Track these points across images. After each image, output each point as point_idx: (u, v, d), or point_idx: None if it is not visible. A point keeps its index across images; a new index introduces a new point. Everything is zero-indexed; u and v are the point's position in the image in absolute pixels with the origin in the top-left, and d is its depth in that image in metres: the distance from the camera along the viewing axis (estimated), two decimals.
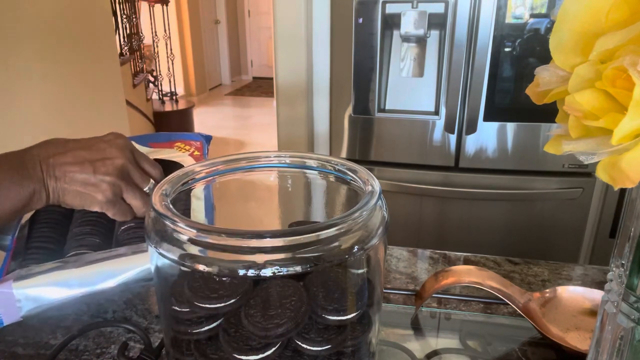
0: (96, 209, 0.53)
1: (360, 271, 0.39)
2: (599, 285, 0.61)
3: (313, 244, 0.32)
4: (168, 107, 4.45)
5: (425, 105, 1.44)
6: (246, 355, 0.35)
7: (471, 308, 0.57)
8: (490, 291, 0.51)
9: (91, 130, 0.58)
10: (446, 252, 0.70)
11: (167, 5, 4.64)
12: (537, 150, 1.40)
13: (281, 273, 0.31)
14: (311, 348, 0.36)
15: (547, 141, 0.29)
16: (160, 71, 4.68)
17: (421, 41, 1.40)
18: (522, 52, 1.33)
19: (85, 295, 0.48)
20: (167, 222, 0.33)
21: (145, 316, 0.56)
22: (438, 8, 1.32)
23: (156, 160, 0.62)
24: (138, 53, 3.86)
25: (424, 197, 1.50)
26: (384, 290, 0.60)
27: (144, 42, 4.07)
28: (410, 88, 1.45)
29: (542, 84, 0.29)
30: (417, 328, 0.55)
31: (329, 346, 0.36)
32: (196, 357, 0.37)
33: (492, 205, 1.47)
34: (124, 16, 3.59)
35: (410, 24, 1.34)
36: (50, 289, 0.47)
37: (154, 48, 4.67)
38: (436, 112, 1.43)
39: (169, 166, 0.63)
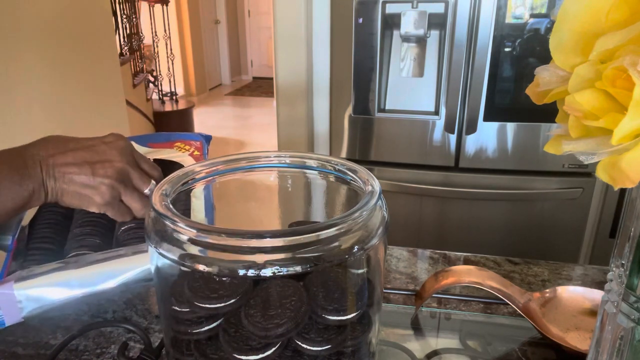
0: (94, 210, 0.53)
1: (360, 271, 0.39)
2: (599, 285, 0.61)
3: (313, 244, 0.32)
4: (168, 107, 4.45)
5: (425, 105, 1.44)
6: (246, 355, 0.35)
7: (471, 308, 0.57)
8: (490, 291, 0.51)
9: (91, 130, 0.58)
10: (446, 252, 0.70)
11: (167, 5, 4.64)
12: (537, 150, 1.40)
13: (281, 273, 0.31)
14: (311, 348, 0.36)
15: (547, 141, 0.29)
16: (160, 71, 4.68)
17: (421, 41, 1.40)
18: (522, 52, 1.33)
19: (85, 296, 0.48)
20: (167, 222, 0.33)
21: (145, 316, 0.56)
22: (438, 8, 1.32)
23: (156, 160, 0.62)
24: (138, 53, 3.86)
25: (424, 197, 1.50)
26: (384, 290, 0.60)
27: (144, 42, 4.07)
28: (410, 88, 1.45)
29: (542, 84, 0.29)
30: (417, 328, 0.55)
31: (329, 346, 0.36)
32: (196, 357, 0.37)
33: (492, 205, 1.47)
34: (124, 16, 3.59)
35: (410, 24, 1.34)
36: (51, 289, 0.47)
37: (154, 48, 4.67)
38: (436, 112, 1.43)
39: (168, 166, 0.63)
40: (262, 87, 7.04)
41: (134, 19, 3.83)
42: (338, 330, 0.37)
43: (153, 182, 0.56)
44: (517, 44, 1.33)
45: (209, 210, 0.49)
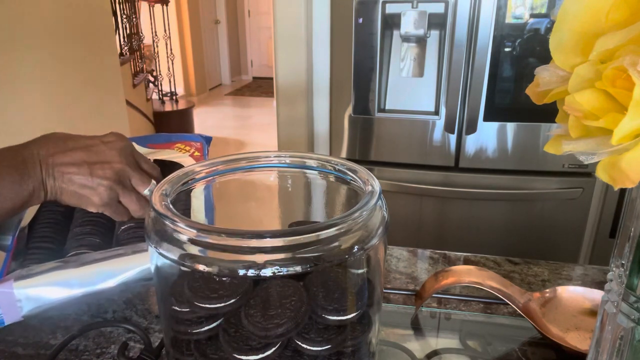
0: (92, 209, 0.53)
1: (360, 271, 0.39)
2: (599, 285, 0.61)
3: (313, 244, 0.32)
4: (168, 107, 4.45)
5: (425, 105, 1.44)
6: (246, 355, 0.35)
7: (471, 308, 0.57)
8: (490, 291, 0.51)
9: (91, 130, 0.58)
10: (446, 252, 0.70)
11: (167, 5, 4.64)
12: (537, 150, 1.40)
13: (281, 273, 0.31)
14: (311, 348, 0.36)
15: (547, 141, 0.29)
16: (160, 71, 4.68)
17: (421, 41, 1.40)
18: (522, 52, 1.33)
19: (85, 295, 0.48)
20: (167, 222, 0.33)
21: (145, 316, 0.56)
22: (438, 8, 1.32)
23: (156, 161, 0.62)
24: (138, 53, 3.86)
25: (424, 197, 1.50)
26: (384, 290, 0.60)
27: (144, 42, 4.07)
28: (410, 88, 1.45)
29: (542, 84, 0.29)
30: (417, 328, 0.55)
31: (329, 346, 0.36)
32: (196, 357, 0.37)
33: (492, 205, 1.47)
34: (124, 16, 3.59)
35: (410, 24, 1.34)
36: (51, 288, 0.47)
37: (154, 48, 4.67)
38: (436, 112, 1.43)
39: (169, 167, 0.63)
40: (262, 87, 7.04)
41: (134, 19, 3.83)
42: (338, 330, 0.37)
43: (153, 182, 0.56)
44: (517, 44, 1.33)
45: (209, 210, 0.49)
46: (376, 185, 0.37)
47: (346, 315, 0.37)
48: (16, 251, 0.57)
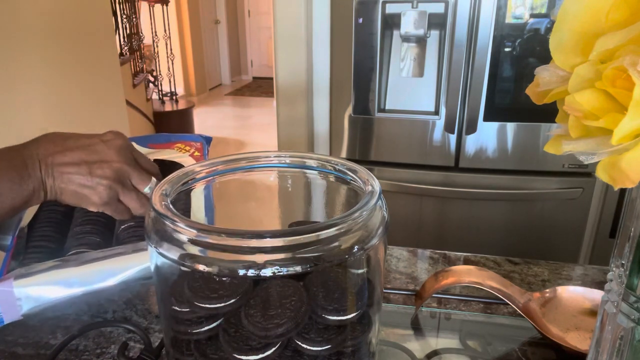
0: (92, 209, 0.53)
1: (360, 271, 0.39)
2: (599, 285, 0.61)
3: (313, 244, 0.32)
4: (168, 107, 4.45)
5: (425, 105, 1.44)
6: (246, 355, 0.35)
7: (471, 308, 0.57)
8: (490, 291, 0.51)
9: (91, 130, 0.58)
10: (446, 252, 0.70)
11: (167, 5, 4.64)
12: (537, 150, 1.40)
13: (281, 273, 0.31)
14: (311, 348, 0.36)
15: (547, 141, 0.29)
16: (160, 71, 4.68)
17: (421, 41, 1.40)
18: (522, 52, 1.33)
19: (85, 294, 0.48)
20: (167, 222, 0.33)
21: (145, 316, 0.56)
22: (438, 8, 1.32)
23: (156, 160, 0.62)
24: (138, 53, 3.86)
25: (424, 197, 1.50)
26: (384, 290, 0.60)
27: (144, 42, 4.07)
28: (410, 88, 1.45)
29: (542, 84, 0.29)
30: (417, 328, 0.55)
31: (329, 346, 0.36)
32: (196, 357, 0.37)
33: (492, 205, 1.47)
34: (124, 16, 3.59)
35: (410, 24, 1.34)
36: (51, 287, 0.47)
37: (154, 48, 4.67)
38: (436, 112, 1.43)
39: (169, 167, 0.63)
40: (262, 87, 7.04)
41: (134, 19, 3.83)
42: (338, 330, 0.37)
43: (153, 180, 0.56)
44: (517, 44, 1.33)
45: (209, 210, 0.49)
46: (376, 185, 0.37)
47: (346, 315, 0.37)
48: (16, 250, 0.57)
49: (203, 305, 0.35)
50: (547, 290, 0.54)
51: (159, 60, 4.66)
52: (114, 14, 3.25)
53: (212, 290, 0.36)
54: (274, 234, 0.32)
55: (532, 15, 1.31)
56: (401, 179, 1.49)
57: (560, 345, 0.47)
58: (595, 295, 0.53)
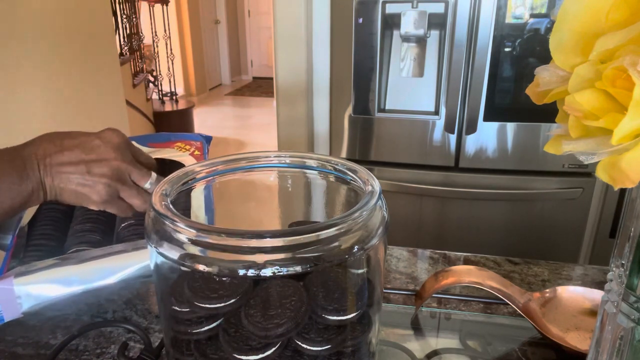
0: (94, 207, 0.53)
1: (360, 271, 0.39)
2: (599, 285, 0.61)
3: (313, 244, 0.32)
4: (168, 107, 4.45)
5: (425, 105, 1.44)
6: (246, 355, 0.35)
7: (471, 308, 0.57)
8: (490, 291, 0.51)
9: (91, 130, 0.58)
10: (446, 252, 0.70)
11: (167, 5, 4.64)
12: (537, 150, 1.40)
13: (281, 273, 0.31)
14: (311, 348, 0.36)
15: (547, 141, 0.29)
16: (160, 71, 4.68)
17: (421, 41, 1.40)
18: (522, 52, 1.33)
19: (85, 292, 0.48)
20: (167, 222, 0.33)
21: (145, 316, 0.56)
22: (438, 8, 1.32)
23: (157, 159, 0.62)
24: (138, 53, 3.86)
25: (424, 197, 1.50)
26: (384, 290, 0.60)
27: (144, 42, 4.07)
28: (410, 88, 1.45)
29: (542, 84, 0.29)
30: (417, 328, 0.55)
31: (329, 346, 0.36)
32: (196, 357, 0.37)
33: (492, 205, 1.47)
34: (124, 16, 3.59)
35: (410, 24, 1.34)
36: (51, 285, 0.47)
37: (154, 48, 4.67)
38: (436, 112, 1.43)
39: (169, 166, 0.63)
40: (262, 87, 7.04)
41: (134, 19, 3.83)
42: (338, 330, 0.37)
43: (153, 175, 0.56)
44: (517, 44, 1.33)
45: (209, 210, 0.49)
46: (376, 185, 0.37)
47: (346, 315, 0.37)
48: (16, 249, 0.57)
49: (203, 305, 0.35)
50: (547, 290, 0.54)
51: (159, 60, 4.66)
52: (114, 14, 3.25)
53: (212, 290, 0.36)
54: (274, 234, 0.32)
55: (532, 15, 1.31)
56: (401, 179, 1.49)
57: (560, 345, 0.47)
58: (595, 295, 0.53)
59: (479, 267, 0.54)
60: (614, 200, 1.47)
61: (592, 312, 0.52)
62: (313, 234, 0.32)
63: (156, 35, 4.57)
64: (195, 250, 0.32)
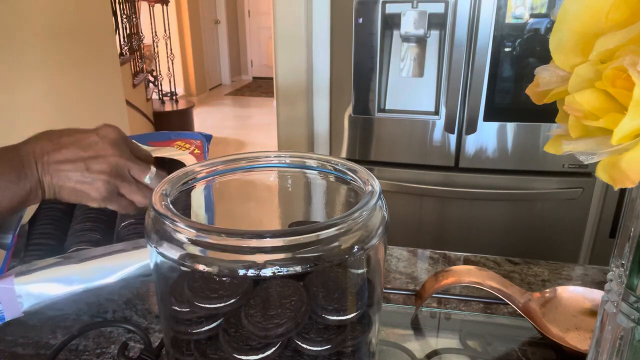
0: (94, 205, 0.53)
1: (360, 271, 0.39)
2: (599, 285, 0.61)
3: (313, 244, 0.32)
4: (168, 107, 4.45)
5: (425, 105, 1.44)
6: (246, 355, 0.35)
7: (471, 308, 0.57)
8: (490, 291, 0.51)
9: None
10: (446, 252, 0.70)
11: (167, 5, 4.64)
12: (537, 150, 1.40)
13: (281, 273, 0.31)
14: (311, 348, 0.36)
15: (547, 141, 0.29)
16: (160, 71, 4.68)
17: (421, 41, 1.40)
18: (522, 52, 1.33)
19: (85, 291, 0.48)
20: (167, 222, 0.33)
21: (145, 316, 0.56)
22: (438, 8, 1.32)
23: (157, 158, 0.62)
24: (138, 53, 3.86)
25: (424, 197, 1.50)
26: (384, 290, 0.60)
27: (144, 42, 4.07)
28: (410, 88, 1.45)
29: (542, 84, 0.29)
30: (417, 328, 0.55)
31: (329, 346, 0.36)
32: (196, 357, 0.37)
33: (492, 205, 1.47)
34: (124, 16, 3.59)
35: (410, 24, 1.34)
36: (51, 284, 0.47)
37: (154, 48, 4.67)
38: (436, 112, 1.43)
39: (169, 164, 0.63)
40: (262, 87, 7.04)
41: (134, 19, 3.83)
42: (338, 330, 0.37)
43: (153, 169, 0.55)
44: (517, 44, 1.33)
45: (209, 210, 0.49)
46: (376, 185, 0.37)
47: (346, 315, 0.37)
48: (16, 249, 0.57)
49: (203, 305, 0.35)
50: (547, 290, 0.54)
51: (159, 60, 4.67)
52: (114, 14, 3.25)
53: (212, 290, 0.36)
54: (274, 234, 0.32)
55: (532, 15, 1.31)
56: (401, 179, 1.49)
57: (560, 345, 0.47)
58: (595, 295, 0.53)
59: (479, 267, 0.54)
60: (614, 200, 1.47)
61: (592, 312, 0.52)
62: (313, 234, 0.32)
63: (156, 35, 4.57)
64: (195, 250, 0.32)
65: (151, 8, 4.50)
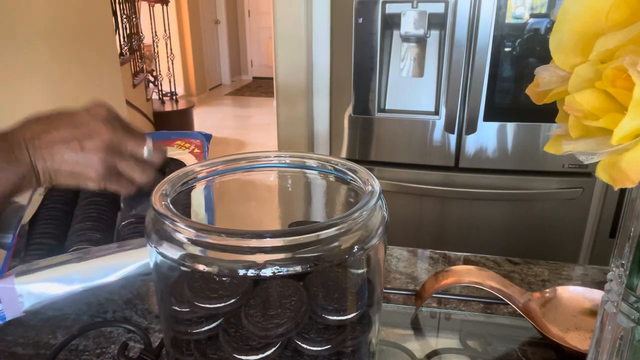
0: (93, 186, 0.51)
1: (360, 271, 0.39)
2: (599, 285, 0.61)
3: (313, 244, 0.32)
4: (168, 107, 4.45)
5: (425, 105, 1.44)
6: (246, 355, 0.35)
7: (471, 308, 0.57)
8: (490, 291, 0.51)
9: None
10: (446, 252, 0.70)
11: (167, 5, 4.64)
12: (537, 150, 1.40)
13: (281, 273, 0.31)
14: (311, 348, 0.36)
15: (547, 141, 0.29)
16: (160, 71, 4.68)
17: (421, 41, 1.40)
18: (522, 52, 1.33)
19: (86, 291, 0.48)
20: (167, 222, 0.33)
21: (145, 316, 0.56)
22: (438, 8, 1.32)
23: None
24: (138, 53, 3.86)
25: (424, 197, 1.50)
26: (384, 290, 0.60)
27: (144, 42, 4.07)
28: (410, 88, 1.45)
29: (542, 84, 0.29)
30: (417, 328, 0.55)
31: (329, 346, 0.36)
32: (196, 357, 0.37)
33: (492, 205, 1.47)
34: (124, 16, 3.59)
35: (410, 24, 1.34)
36: (52, 284, 0.47)
37: (154, 48, 4.67)
38: (436, 112, 1.43)
39: (169, 164, 0.63)
40: (262, 87, 7.04)
41: (134, 19, 3.83)
42: (338, 330, 0.37)
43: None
44: (517, 44, 1.33)
45: (209, 210, 0.49)
46: (376, 185, 0.37)
47: (346, 315, 0.37)
48: (17, 248, 0.57)
49: (203, 305, 0.35)
50: (547, 290, 0.54)
51: (159, 60, 4.67)
52: (114, 14, 3.25)
53: (212, 290, 0.36)
54: (274, 234, 0.32)
55: (532, 15, 1.31)
56: (401, 179, 1.49)
57: (560, 345, 0.47)
58: (595, 295, 0.53)
59: (479, 267, 0.54)
60: (614, 200, 1.47)
61: (592, 312, 0.52)
62: (313, 234, 0.32)
63: (156, 35, 4.57)
64: (195, 250, 0.32)
65: (151, 8, 4.50)
